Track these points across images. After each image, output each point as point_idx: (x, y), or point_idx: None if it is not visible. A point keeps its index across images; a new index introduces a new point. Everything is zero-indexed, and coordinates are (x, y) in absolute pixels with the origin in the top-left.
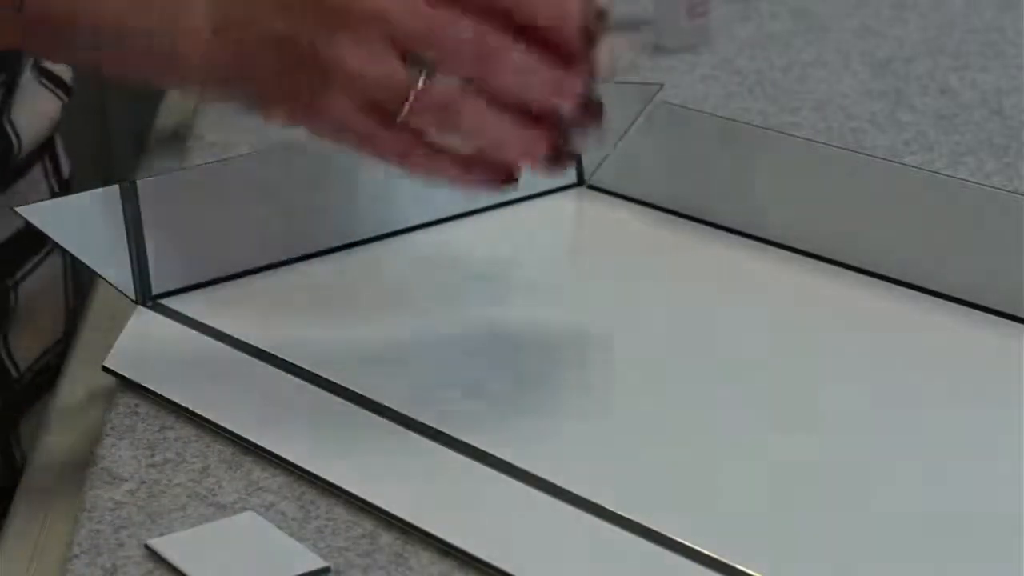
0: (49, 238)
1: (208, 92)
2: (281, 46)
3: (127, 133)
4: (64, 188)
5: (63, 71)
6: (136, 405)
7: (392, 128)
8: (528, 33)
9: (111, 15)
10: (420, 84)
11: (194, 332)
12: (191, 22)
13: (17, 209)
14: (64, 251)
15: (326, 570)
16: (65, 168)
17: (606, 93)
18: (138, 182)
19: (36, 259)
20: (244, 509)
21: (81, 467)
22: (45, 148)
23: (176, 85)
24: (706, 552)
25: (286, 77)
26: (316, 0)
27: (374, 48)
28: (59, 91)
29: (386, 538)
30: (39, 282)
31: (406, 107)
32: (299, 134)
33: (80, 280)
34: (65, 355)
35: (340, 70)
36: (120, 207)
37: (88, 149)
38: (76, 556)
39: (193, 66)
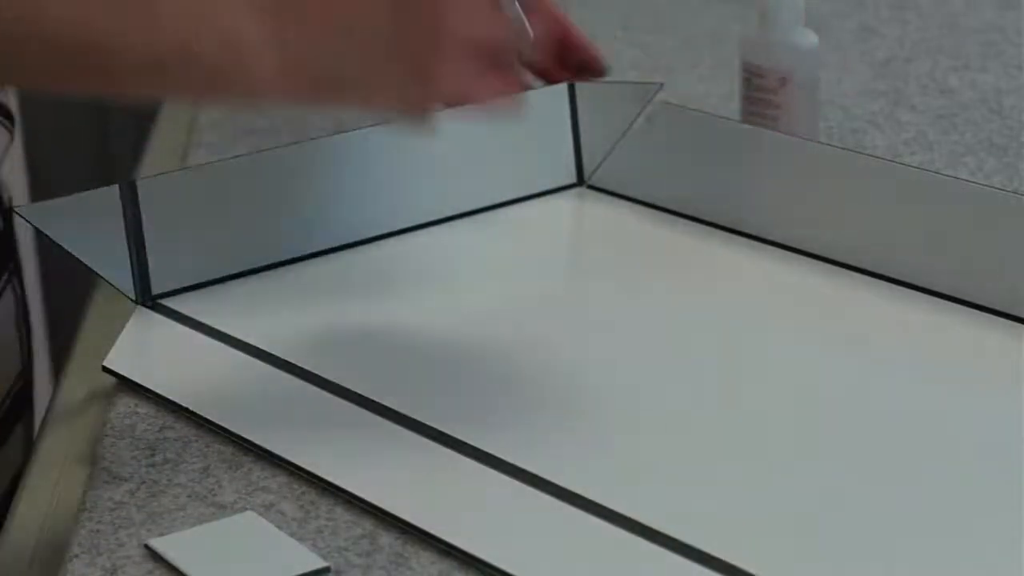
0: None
1: (291, 100)
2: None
3: (127, 133)
4: (5, 217)
5: (10, 101)
6: (136, 405)
7: (501, 71)
8: None
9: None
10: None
11: (194, 332)
12: (245, 35)
13: (16, 208)
14: (15, 291)
15: (326, 570)
16: (4, 196)
17: (606, 93)
18: (138, 182)
19: None
20: (244, 509)
21: (81, 467)
22: None
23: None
24: (707, 551)
25: (392, 61)
26: None
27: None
28: (7, 122)
29: (386, 538)
30: None
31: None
32: (299, 133)
33: (28, 320)
34: (28, 397)
35: (451, 33)
36: (120, 207)
37: (88, 150)
38: (76, 556)
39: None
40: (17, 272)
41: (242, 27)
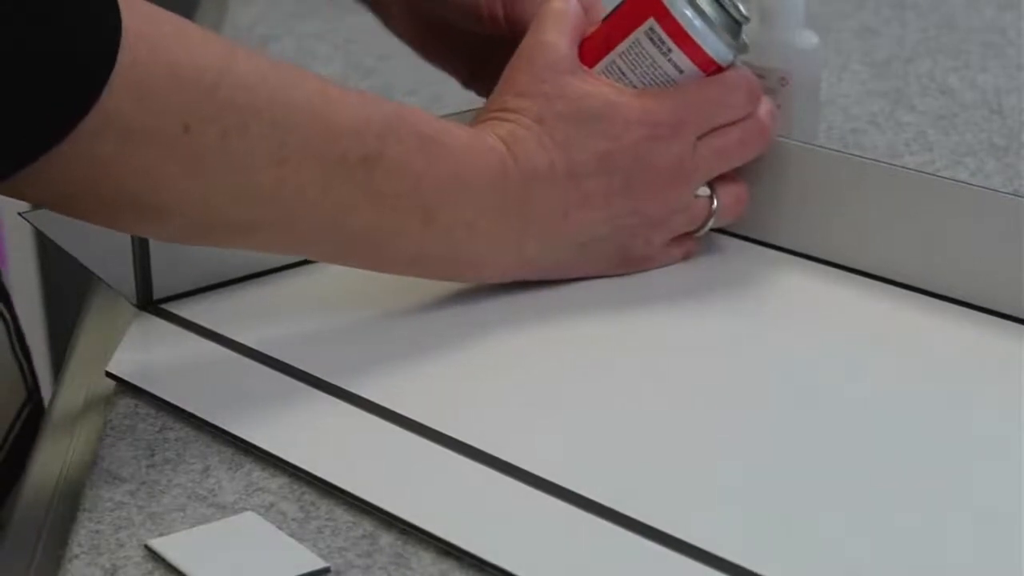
0: None
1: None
2: (604, 245)
3: None
4: None
5: None
6: (136, 406)
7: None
8: None
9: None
10: (714, 205)
11: (196, 336)
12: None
13: (20, 214)
14: (3, 318)
15: (326, 570)
16: None
17: None
18: None
19: None
20: (244, 509)
21: (81, 467)
22: None
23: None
24: (707, 550)
25: (606, 262)
26: (636, 207)
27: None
28: None
29: (386, 538)
30: None
31: (707, 225)
32: None
33: (24, 342)
34: (38, 423)
35: (658, 235)
36: None
37: None
38: (76, 556)
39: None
40: (4, 299)
41: (487, 235)
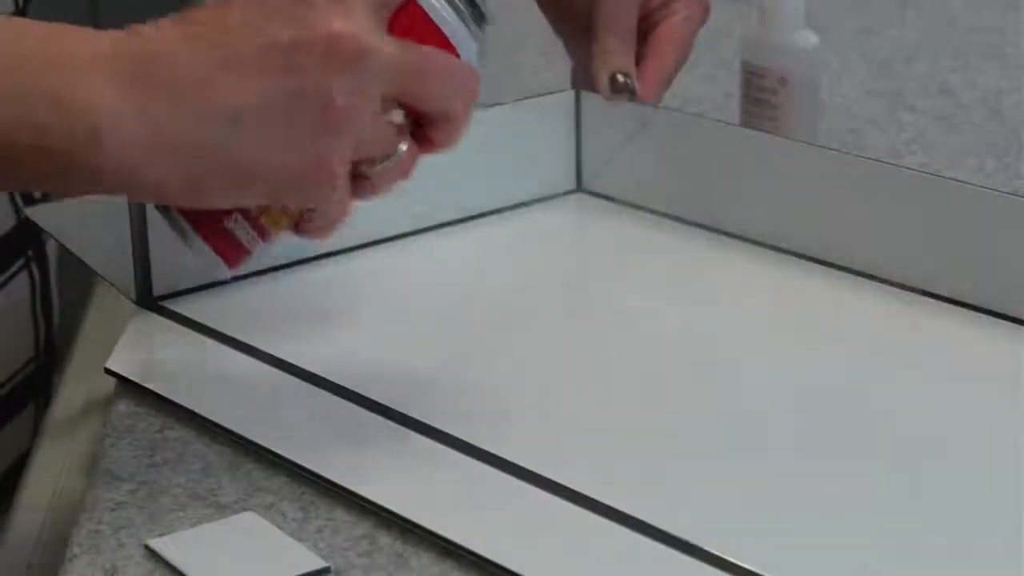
0: (15, 256)
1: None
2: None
3: None
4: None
5: None
6: (136, 405)
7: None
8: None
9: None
10: (404, 148)
11: (195, 334)
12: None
13: (24, 211)
14: (32, 277)
15: (326, 570)
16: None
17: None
18: None
19: None
20: (244, 509)
21: (81, 467)
22: None
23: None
24: (706, 548)
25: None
26: (317, 50)
27: (368, 91)
28: None
29: (386, 538)
30: (1, 307)
31: (387, 164)
32: None
33: (50, 306)
34: (42, 384)
35: (343, 115)
36: (125, 209)
37: None
38: (76, 556)
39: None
40: (40, 261)
41: (97, 95)
